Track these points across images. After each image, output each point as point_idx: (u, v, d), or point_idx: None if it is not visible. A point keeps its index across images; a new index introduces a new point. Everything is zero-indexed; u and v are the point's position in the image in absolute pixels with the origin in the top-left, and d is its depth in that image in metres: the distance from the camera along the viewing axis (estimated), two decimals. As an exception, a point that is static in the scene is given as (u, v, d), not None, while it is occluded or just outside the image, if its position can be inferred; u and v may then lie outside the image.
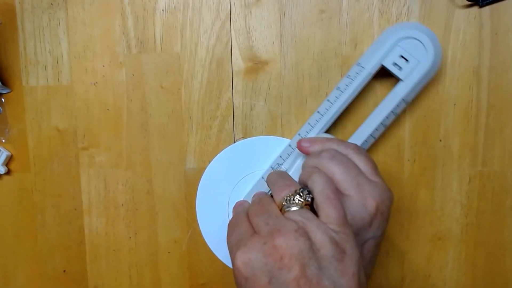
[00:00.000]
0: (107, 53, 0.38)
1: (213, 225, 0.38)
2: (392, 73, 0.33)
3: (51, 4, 0.38)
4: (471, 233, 0.37)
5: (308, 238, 0.24)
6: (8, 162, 0.40)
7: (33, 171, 0.40)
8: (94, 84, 0.39)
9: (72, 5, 0.38)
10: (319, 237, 0.25)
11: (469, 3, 0.35)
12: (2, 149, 0.40)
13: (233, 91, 0.37)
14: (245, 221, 0.28)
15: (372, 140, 0.34)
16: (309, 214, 0.26)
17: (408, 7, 0.35)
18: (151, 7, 0.37)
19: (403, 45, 0.33)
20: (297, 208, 0.27)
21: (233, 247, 0.26)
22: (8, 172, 0.40)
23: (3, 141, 0.40)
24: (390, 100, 0.34)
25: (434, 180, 0.37)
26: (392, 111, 0.34)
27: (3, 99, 0.40)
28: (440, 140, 0.36)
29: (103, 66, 0.38)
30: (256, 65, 0.37)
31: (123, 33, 0.38)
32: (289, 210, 0.27)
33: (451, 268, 0.37)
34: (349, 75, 0.34)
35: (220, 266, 0.39)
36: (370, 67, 0.33)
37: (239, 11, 0.37)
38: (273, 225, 0.26)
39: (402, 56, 0.33)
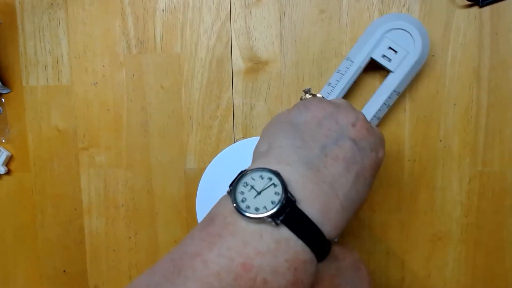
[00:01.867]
0: (107, 53, 0.38)
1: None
2: (382, 65, 0.33)
3: (51, 4, 0.38)
4: (471, 233, 0.37)
5: (332, 251, 0.25)
6: (8, 162, 0.40)
7: (33, 171, 0.40)
8: (94, 84, 0.39)
9: (72, 5, 0.38)
10: (339, 250, 0.26)
11: (469, 3, 0.35)
12: (2, 149, 0.40)
13: (233, 91, 0.37)
14: None
15: None
16: None
17: (408, 7, 0.35)
18: (151, 7, 0.37)
19: (391, 36, 0.33)
20: None
21: None
22: (8, 172, 0.40)
23: (3, 141, 0.40)
24: (382, 92, 0.34)
25: (434, 180, 0.37)
26: (384, 103, 0.34)
27: (3, 99, 0.40)
28: (440, 140, 0.36)
29: (103, 66, 0.38)
30: (256, 65, 0.37)
31: (123, 33, 0.38)
32: None
33: (451, 268, 0.37)
34: (339, 70, 0.34)
35: (220, 266, 0.39)
36: (359, 61, 0.33)
37: (239, 11, 0.37)
38: None
39: (391, 48, 0.33)
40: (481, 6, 0.35)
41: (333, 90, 0.34)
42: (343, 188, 0.23)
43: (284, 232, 0.21)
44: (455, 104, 0.36)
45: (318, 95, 0.29)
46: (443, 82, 0.36)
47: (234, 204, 0.21)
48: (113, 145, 0.39)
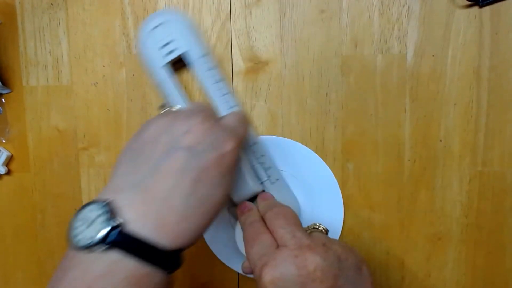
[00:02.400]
0: (107, 53, 0.38)
1: (214, 225, 0.38)
2: (177, 57, 0.34)
3: (51, 4, 0.38)
4: (471, 233, 0.37)
5: (335, 250, 0.26)
6: (8, 162, 0.40)
7: (33, 171, 0.40)
8: (94, 84, 0.39)
9: (72, 5, 0.38)
10: (343, 249, 0.27)
11: (469, 3, 0.35)
12: (2, 149, 0.40)
13: (234, 91, 0.37)
14: (266, 232, 0.29)
15: (232, 104, 0.35)
16: (329, 237, 0.29)
17: (408, 7, 0.35)
18: (151, 7, 0.37)
19: (157, 36, 0.33)
20: (320, 232, 0.30)
21: (256, 261, 0.27)
22: (8, 172, 0.40)
23: (3, 141, 0.40)
24: (200, 67, 0.34)
25: (434, 180, 0.37)
26: (211, 69, 0.34)
27: (3, 99, 0.40)
28: (440, 140, 0.36)
29: (103, 66, 0.38)
30: (256, 65, 0.37)
31: (123, 33, 0.38)
32: (313, 230, 0.30)
33: (451, 268, 0.37)
34: (165, 96, 0.35)
35: (220, 266, 0.39)
36: (162, 77, 0.34)
37: (239, 11, 0.37)
38: (301, 239, 0.27)
39: (167, 44, 0.34)
40: (481, 6, 0.35)
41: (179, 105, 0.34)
42: (180, 199, 0.24)
43: (116, 254, 0.23)
44: (455, 104, 0.36)
45: (175, 108, 0.30)
46: (443, 82, 0.36)
47: (69, 240, 0.24)
48: (113, 145, 0.39)
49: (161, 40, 0.34)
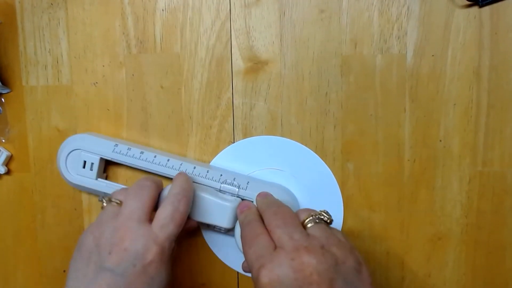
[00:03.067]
0: (107, 53, 0.38)
1: (213, 225, 0.38)
2: (100, 166, 0.37)
3: (51, 4, 0.38)
4: (471, 233, 0.37)
5: (333, 253, 0.26)
6: (8, 162, 0.40)
7: (33, 171, 0.40)
8: (94, 84, 0.39)
9: (72, 5, 0.38)
10: (342, 251, 0.26)
11: (469, 3, 0.35)
12: (2, 149, 0.40)
13: (233, 91, 0.37)
14: (264, 232, 0.28)
15: (164, 163, 0.36)
16: (329, 230, 0.28)
17: (407, 7, 0.35)
18: (151, 7, 0.37)
19: (73, 163, 0.37)
20: (321, 224, 0.29)
21: (254, 262, 0.27)
22: (8, 172, 0.40)
23: (3, 141, 0.40)
24: (118, 156, 0.36)
25: (434, 180, 0.37)
26: (127, 151, 0.36)
27: (3, 99, 0.40)
28: (440, 140, 0.36)
29: (103, 66, 0.38)
30: (256, 65, 0.37)
31: (123, 33, 0.38)
32: (312, 224, 0.28)
33: (451, 268, 0.37)
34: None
35: (220, 266, 0.39)
36: (102, 186, 0.37)
37: (239, 11, 0.37)
38: (298, 240, 0.26)
39: (84, 164, 0.37)
40: (481, 6, 0.35)
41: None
42: None
43: None
44: (455, 104, 0.36)
45: (113, 202, 0.31)
46: (443, 82, 0.36)
47: None
48: (113, 145, 0.39)
49: (78, 164, 0.37)
